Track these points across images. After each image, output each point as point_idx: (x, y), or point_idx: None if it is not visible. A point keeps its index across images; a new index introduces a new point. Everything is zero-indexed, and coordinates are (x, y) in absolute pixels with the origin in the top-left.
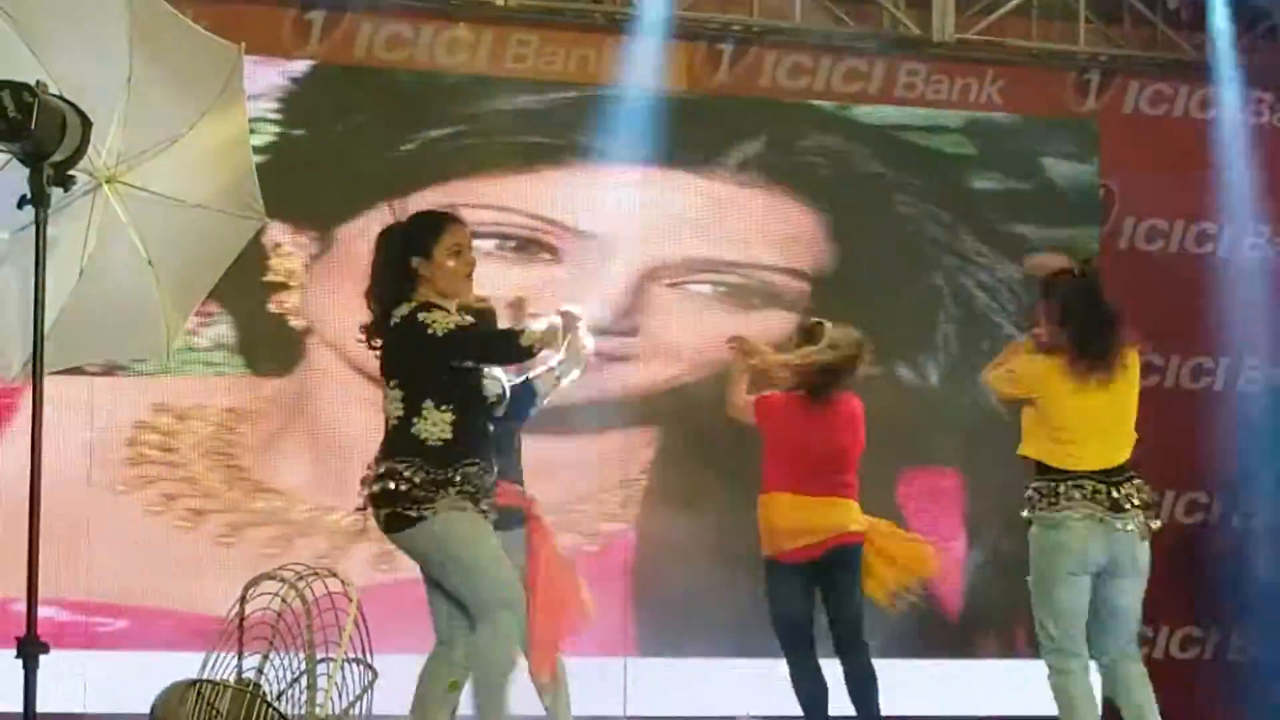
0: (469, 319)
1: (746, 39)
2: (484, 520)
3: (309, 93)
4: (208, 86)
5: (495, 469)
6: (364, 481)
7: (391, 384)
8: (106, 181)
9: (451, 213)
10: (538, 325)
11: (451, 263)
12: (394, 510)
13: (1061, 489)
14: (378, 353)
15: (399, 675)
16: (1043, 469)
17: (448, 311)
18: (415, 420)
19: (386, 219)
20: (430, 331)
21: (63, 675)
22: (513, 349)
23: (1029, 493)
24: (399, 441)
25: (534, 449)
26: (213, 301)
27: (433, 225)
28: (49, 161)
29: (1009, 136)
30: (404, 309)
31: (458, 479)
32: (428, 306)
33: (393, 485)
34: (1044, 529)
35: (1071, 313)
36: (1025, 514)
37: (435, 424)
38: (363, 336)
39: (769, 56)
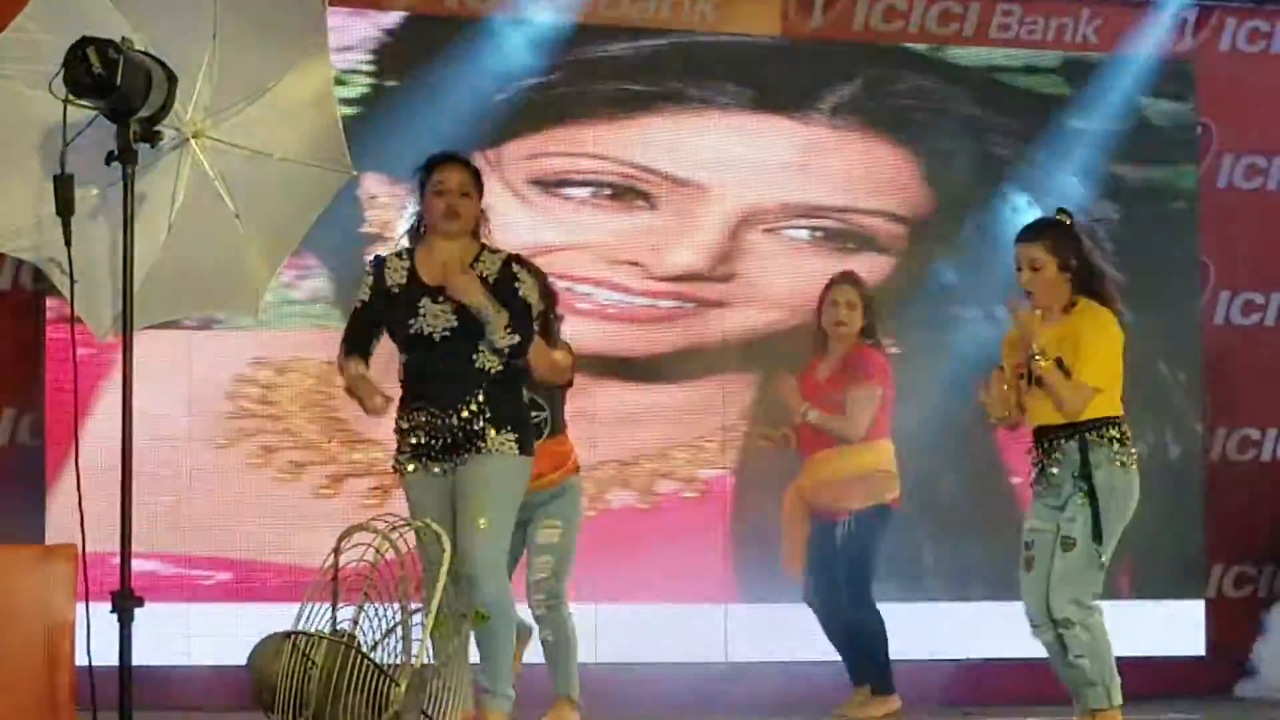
0: (399, 282)
1: None
2: (419, 480)
3: (402, 43)
4: (293, 40)
5: (452, 410)
6: None
7: None
8: (194, 136)
9: (451, 153)
10: (352, 368)
11: (432, 200)
12: None
13: (1129, 432)
14: None
15: None
16: (1110, 414)
17: (405, 267)
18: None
19: (481, 168)
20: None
21: (165, 629)
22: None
23: (1114, 435)
24: None
25: (632, 397)
26: (310, 254)
27: (426, 165)
28: (135, 118)
29: (1105, 76)
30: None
31: (406, 427)
32: (401, 254)
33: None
34: (1129, 472)
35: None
36: (1118, 458)
37: (403, 365)
38: None
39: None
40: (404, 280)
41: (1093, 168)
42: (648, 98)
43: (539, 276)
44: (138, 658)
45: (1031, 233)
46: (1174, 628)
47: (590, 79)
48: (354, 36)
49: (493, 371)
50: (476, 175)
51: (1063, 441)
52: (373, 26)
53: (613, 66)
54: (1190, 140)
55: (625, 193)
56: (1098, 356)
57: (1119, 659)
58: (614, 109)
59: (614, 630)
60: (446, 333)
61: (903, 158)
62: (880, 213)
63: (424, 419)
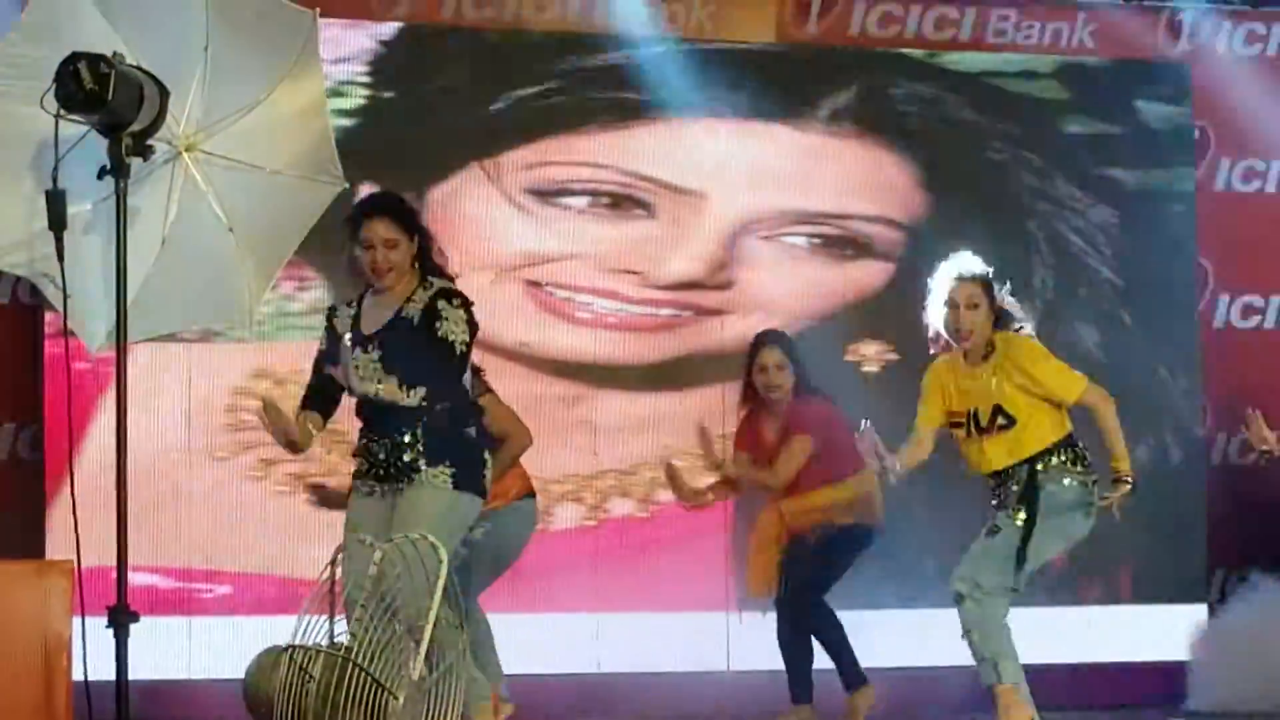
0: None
1: None
2: (356, 500)
3: (398, 54)
4: (284, 53)
5: (388, 440)
6: None
7: None
8: (186, 150)
9: (377, 204)
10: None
11: (362, 254)
12: None
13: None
14: None
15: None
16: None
17: (329, 325)
18: None
19: (479, 179)
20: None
21: (165, 642)
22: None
23: (1065, 457)
24: None
25: (632, 406)
26: (308, 266)
27: (351, 217)
28: (127, 132)
29: (1101, 80)
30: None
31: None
32: (351, 301)
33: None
34: (1080, 490)
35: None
36: (1084, 478)
37: None
38: None
39: (858, 6)
40: (350, 328)
41: (1090, 172)
42: (644, 106)
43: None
44: (137, 672)
45: (972, 272)
46: (1175, 633)
47: (586, 88)
48: (350, 48)
49: (428, 410)
50: (405, 216)
51: (1016, 470)
52: (369, 38)
53: (609, 75)
54: (1187, 144)
55: (623, 201)
56: (1059, 371)
57: (1123, 664)
58: (610, 118)
59: (615, 639)
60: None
61: (900, 164)
62: (878, 219)
63: (363, 444)
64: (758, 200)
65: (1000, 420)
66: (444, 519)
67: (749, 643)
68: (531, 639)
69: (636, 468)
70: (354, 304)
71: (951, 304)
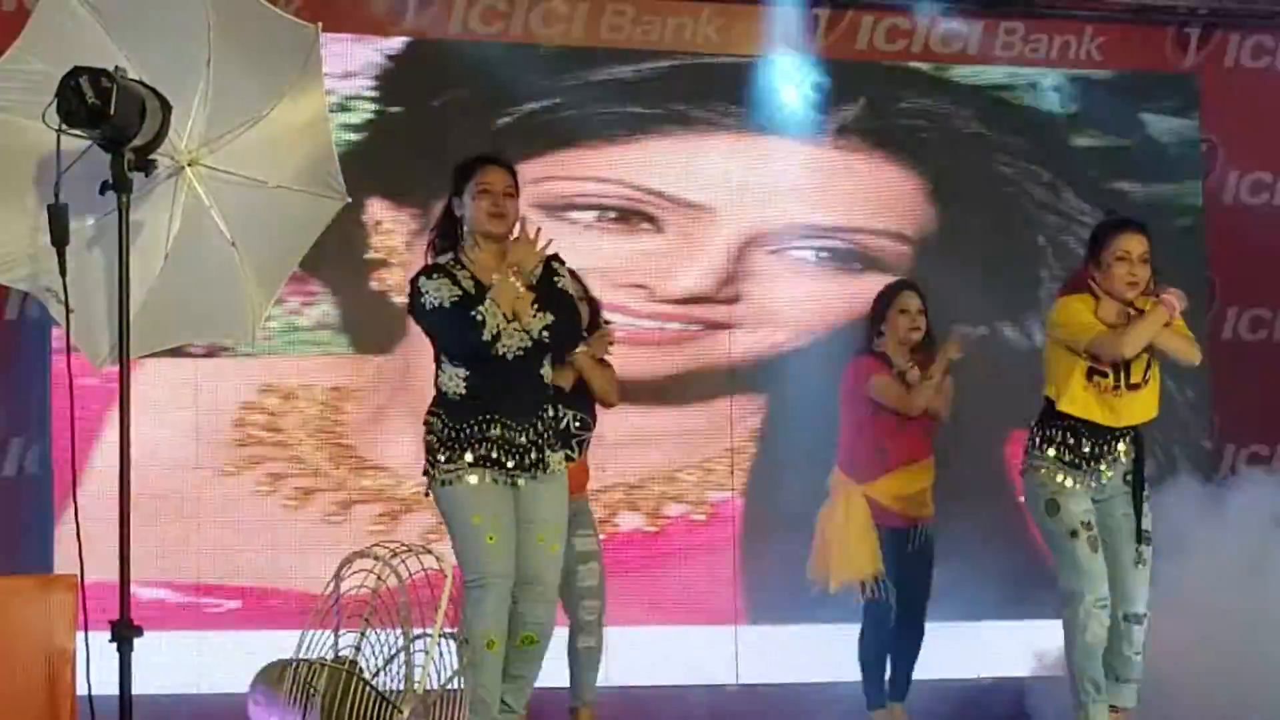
0: (459, 291)
1: (843, 2)
2: (490, 488)
3: (405, 69)
4: (286, 67)
5: (531, 424)
6: None
7: None
8: (189, 164)
9: (492, 155)
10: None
11: (477, 201)
12: (425, 464)
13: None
14: None
15: None
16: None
17: (451, 281)
18: (439, 371)
19: None
20: (419, 300)
21: (174, 657)
22: (468, 343)
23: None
24: (436, 390)
25: (640, 420)
26: (315, 281)
27: (465, 167)
28: (129, 146)
29: (1109, 93)
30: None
31: (473, 438)
32: (431, 271)
33: (426, 435)
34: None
35: None
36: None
37: (451, 378)
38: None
39: (866, 19)
40: (473, 289)
41: (1098, 185)
42: (652, 120)
43: (578, 280)
44: (146, 687)
45: (1140, 226)
46: None
47: (594, 102)
48: (357, 63)
49: (553, 387)
50: (516, 176)
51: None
52: (376, 52)
53: (616, 89)
54: (1195, 156)
55: (630, 216)
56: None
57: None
58: (618, 132)
59: (624, 653)
60: (520, 352)
61: (908, 177)
62: (886, 233)
63: (497, 433)
64: (765, 214)
65: (1148, 376)
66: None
67: (757, 656)
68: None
69: (644, 482)
70: (456, 264)
71: (1119, 255)
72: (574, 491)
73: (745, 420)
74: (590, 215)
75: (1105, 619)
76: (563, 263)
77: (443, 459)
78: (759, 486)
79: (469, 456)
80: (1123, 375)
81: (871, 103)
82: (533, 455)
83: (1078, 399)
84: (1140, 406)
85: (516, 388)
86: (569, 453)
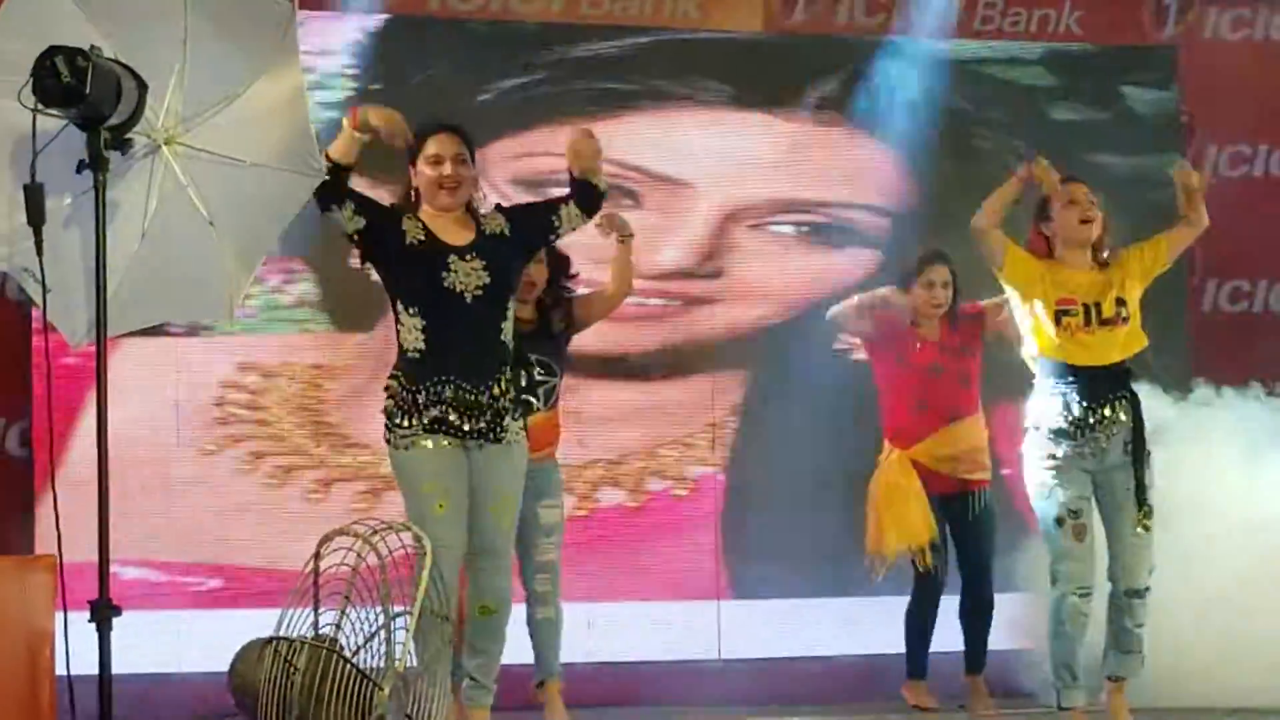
0: (421, 235)
1: None
2: (443, 452)
3: (384, 46)
4: (262, 44)
5: (488, 386)
6: None
7: None
8: (165, 143)
9: (444, 122)
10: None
11: (428, 170)
12: (385, 430)
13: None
14: None
15: None
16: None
17: (420, 227)
18: (398, 326)
19: None
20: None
21: (155, 636)
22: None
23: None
24: (398, 347)
25: (621, 395)
26: (296, 258)
27: (420, 134)
28: (105, 126)
29: (1088, 67)
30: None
31: (429, 402)
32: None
33: (386, 400)
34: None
35: None
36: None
37: (410, 330)
38: None
39: None
40: (423, 238)
41: (1077, 158)
42: (632, 96)
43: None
44: (127, 666)
45: (1077, 178)
46: None
47: (574, 79)
48: (335, 40)
49: (510, 347)
50: (470, 142)
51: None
52: (354, 29)
53: (596, 65)
54: (1174, 129)
55: (610, 191)
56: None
57: None
58: (597, 108)
59: (606, 629)
60: (479, 291)
61: (887, 151)
62: (865, 206)
63: (450, 394)
64: (745, 189)
65: (1123, 312)
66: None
67: (739, 631)
68: (522, 630)
69: (626, 457)
70: (413, 218)
71: (1073, 200)
72: (539, 448)
73: (727, 395)
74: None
75: (1086, 608)
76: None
77: (399, 423)
78: (740, 462)
79: (424, 420)
80: (1093, 312)
81: (850, 77)
82: (488, 417)
83: (1052, 343)
84: (1121, 342)
85: (476, 337)
86: (533, 401)
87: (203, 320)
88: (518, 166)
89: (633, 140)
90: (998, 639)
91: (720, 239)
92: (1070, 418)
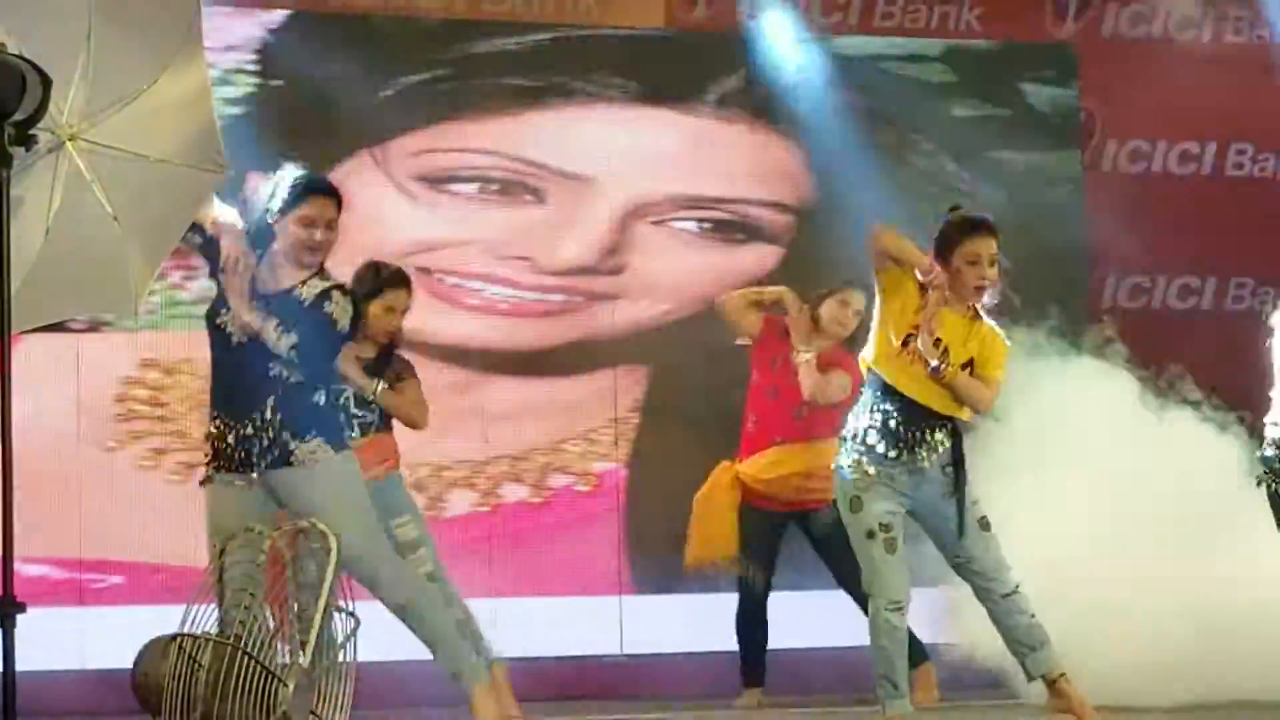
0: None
1: None
2: (225, 490)
3: (286, 42)
4: (167, 40)
5: (251, 416)
6: None
7: None
8: (69, 139)
9: (320, 183)
10: None
11: (298, 231)
12: None
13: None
14: None
15: (381, 623)
16: None
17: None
18: None
19: (368, 166)
20: None
21: (57, 633)
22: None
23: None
24: None
25: (524, 391)
26: (197, 254)
27: (294, 190)
28: (9, 121)
29: (988, 63)
30: None
31: (212, 437)
32: None
33: None
34: None
35: None
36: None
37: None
38: None
39: None
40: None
41: (977, 154)
42: (534, 92)
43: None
44: (29, 663)
45: (990, 227)
46: None
47: (476, 75)
48: (238, 35)
49: (289, 379)
50: (340, 202)
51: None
52: (256, 25)
53: (498, 62)
54: (1074, 125)
55: (513, 187)
56: (996, 386)
57: None
58: (500, 104)
59: (509, 625)
60: (244, 337)
61: (789, 148)
62: (768, 203)
63: (216, 429)
64: (648, 185)
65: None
66: (350, 488)
67: (641, 626)
68: None
69: (528, 453)
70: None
71: (969, 260)
72: (371, 466)
73: (629, 391)
74: (472, 187)
75: (898, 621)
76: (346, 295)
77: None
78: (642, 457)
79: (209, 457)
80: (946, 352)
81: (752, 73)
82: (263, 443)
83: (889, 358)
84: (948, 401)
85: (241, 377)
86: (350, 433)
87: (107, 315)
88: (420, 162)
89: (535, 137)
90: (931, 634)
91: (622, 235)
92: (888, 433)
